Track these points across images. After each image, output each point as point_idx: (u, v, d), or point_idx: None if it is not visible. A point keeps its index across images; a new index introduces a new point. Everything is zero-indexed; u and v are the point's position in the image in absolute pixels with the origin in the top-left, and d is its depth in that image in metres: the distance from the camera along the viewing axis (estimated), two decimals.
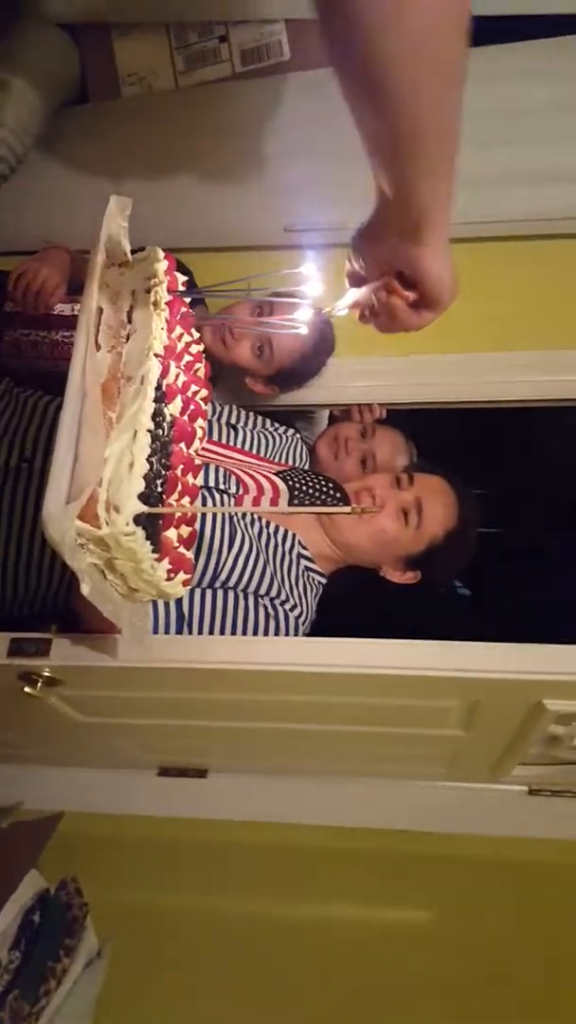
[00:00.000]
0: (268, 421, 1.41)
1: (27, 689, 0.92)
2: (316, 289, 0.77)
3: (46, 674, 0.92)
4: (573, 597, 1.62)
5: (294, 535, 1.16)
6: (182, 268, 0.81)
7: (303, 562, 1.16)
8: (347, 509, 0.60)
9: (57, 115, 1.58)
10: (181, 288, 0.76)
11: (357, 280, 0.74)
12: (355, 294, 0.75)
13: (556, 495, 2.09)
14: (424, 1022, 1.22)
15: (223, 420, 1.32)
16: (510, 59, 1.46)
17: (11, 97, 1.48)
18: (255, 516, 1.12)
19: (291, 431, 1.42)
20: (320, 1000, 1.25)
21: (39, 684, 0.92)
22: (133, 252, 0.83)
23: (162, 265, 0.74)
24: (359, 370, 1.63)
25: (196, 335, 0.81)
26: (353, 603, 1.23)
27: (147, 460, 0.63)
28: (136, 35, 1.56)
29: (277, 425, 1.41)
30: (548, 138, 1.49)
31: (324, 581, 1.20)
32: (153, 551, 0.65)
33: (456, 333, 1.63)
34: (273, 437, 1.36)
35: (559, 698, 0.92)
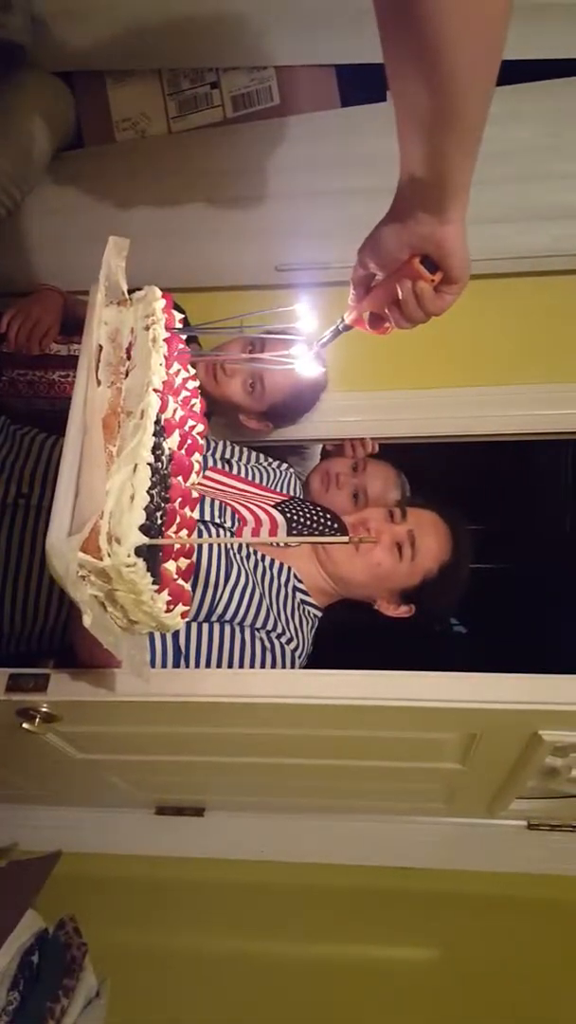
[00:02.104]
0: (261, 456, 1.42)
1: (25, 725, 0.91)
2: (309, 326, 0.79)
3: (44, 710, 0.91)
4: (568, 630, 1.63)
5: (289, 568, 1.17)
6: (176, 308, 0.84)
7: (299, 595, 1.16)
8: (344, 539, 0.61)
9: (53, 160, 1.62)
10: (178, 326, 0.78)
11: (365, 282, 0.77)
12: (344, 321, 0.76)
13: (549, 528, 2.11)
14: None
15: (217, 455, 1.34)
16: (498, 100, 1.50)
17: (7, 143, 1.51)
18: (251, 550, 1.13)
19: (284, 465, 1.44)
20: None
21: (37, 720, 0.92)
22: (130, 292, 0.85)
23: (160, 303, 0.76)
24: (351, 405, 1.66)
25: (192, 371, 0.82)
26: (349, 637, 1.23)
27: (147, 493, 0.64)
28: (130, 82, 1.60)
29: (270, 460, 1.43)
30: (531, 178, 1.53)
31: (320, 614, 1.20)
32: (153, 583, 0.66)
33: (447, 368, 1.66)
34: (267, 471, 1.37)
35: (555, 728, 0.92)
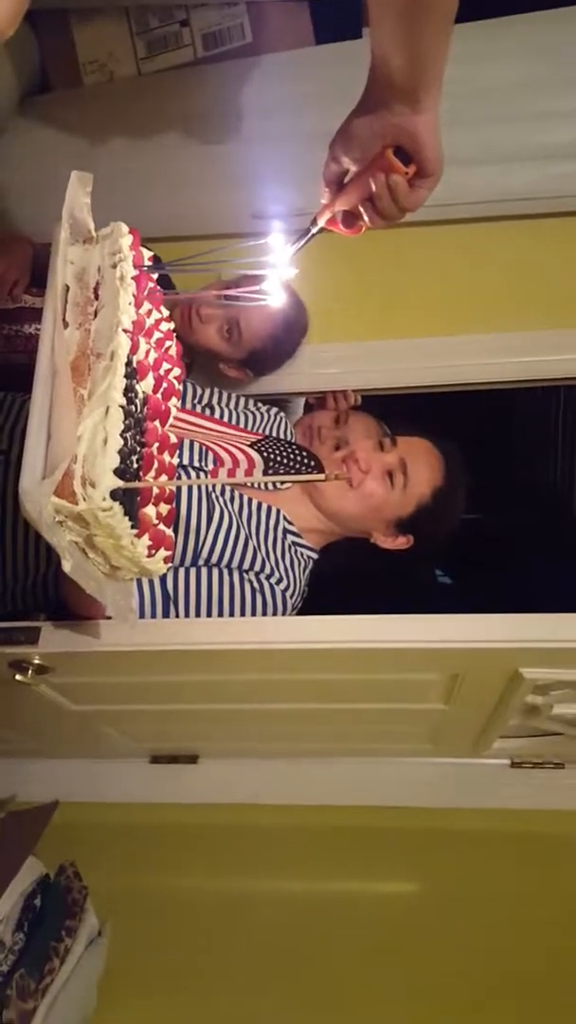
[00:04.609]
0: (251, 401, 1.38)
1: (18, 677, 0.92)
2: (283, 260, 0.77)
3: (36, 661, 0.93)
4: (550, 575, 1.65)
5: (278, 511, 1.16)
6: (145, 246, 0.81)
7: (290, 537, 1.16)
8: (321, 477, 0.61)
9: (18, 105, 1.57)
10: (147, 263, 0.77)
11: (338, 180, 0.76)
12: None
13: (532, 478, 2.12)
14: (416, 988, 1.25)
15: (203, 402, 1.30)
16: (475, 38, 1.46)
17: None
18: (236, 493, 1.12)
19: (275, 409, 1.39)
20: (315, 973, 1.27)
21: (30, 672, 0.93)
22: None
23: (127, 240, 0.74)
24: (333, 356, 1.64)
25: (166, 312, 0.81)
26: (334, 592, 1.24)
27: (121, 436, 0.63)
28: (95, 21, 1.54)
29: (260, 404, 1.38)
30: (515, 118, 1.49)
31: (314, 555, 1.19)
32: (132, 527, 0.66)
33: (429, 316, 1.65)
34: (255, 415, 1.33)
35: (536, 667, 0.93)
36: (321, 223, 0.79)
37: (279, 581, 1.08)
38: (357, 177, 0.74)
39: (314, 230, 0.79)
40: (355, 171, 0.74)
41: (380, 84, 0.68)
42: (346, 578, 1.30)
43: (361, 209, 0.76)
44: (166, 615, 1.02)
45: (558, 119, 1.50)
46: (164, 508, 0.74)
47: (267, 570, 1.08)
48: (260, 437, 1.24)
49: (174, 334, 0.82)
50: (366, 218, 0.77)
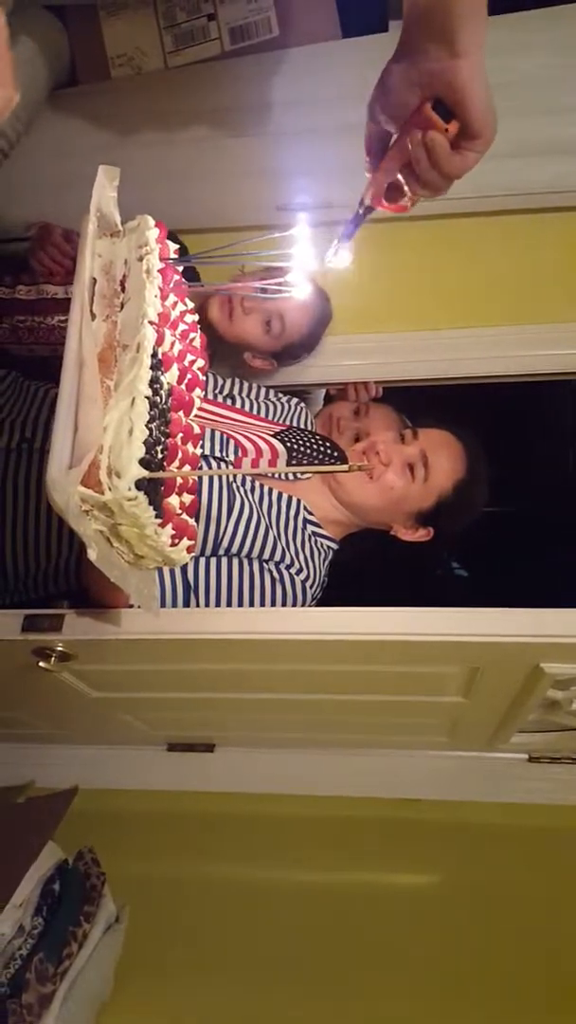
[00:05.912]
0: (271, 392, 1.38)
1: (41, 664, 0.93)
2: (308, 251, 0.75)
3: (59, 649, 0.94)
4: (568, 571, 1.64)
5: (299, 501, 1.16)
6: (172, 238, 0.82)
7: (310, 527, 1.16)
8: (344, 467, 0.61)
9: (47, 99, 1.59)
10: (173, 256, 0.77)
11: (381, 144, 0.67)
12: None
13: (550, 470, 2.11)
14: (429, 981, 1.25)
15: (224, 393, 1.31)
16: (497, 31, 1.45)
17: None
18: (257, 483, 1.13)
19: (295, 399, 1.39)
20: (328, 961, 1.28)
21: (53, 659, 0.94)
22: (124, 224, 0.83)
23: (153, 233, 0.75)
24: (355, 348, 1.65)
25: (191, 304, 0.82)
26: (353, 585, 1.24)
27: (146, 426, 0.64)
28: (124, 15, 1.55)
29: (280, 395, 1.39)
30: (536, 110, 1.48)
31: (334, 546, 1.20)
32: (156, 516, 0.67)
33: (452, 309, 1.64)
34: (276, 405, 1.34)
35: (557, 661, 0.93)
36: (368, 202, 0.70)
37: (299, 571, 1.09)
38: (398, 140, 0.64)
39: (363, 212, 0.71)
40: (396, 136, 0.65)
41: (413, 24, 0.58)
42: (365, 569, 1.30)
43: (402, 179, 0.67)
44: (187, 605, 1.03)
45: None
46: (187, 498, 0.75)
47: (287, 560, 1.09)
48: (283, 427, 1.24)
49: (198, 326, 0.83)
50: (406, 189, 0.67)
